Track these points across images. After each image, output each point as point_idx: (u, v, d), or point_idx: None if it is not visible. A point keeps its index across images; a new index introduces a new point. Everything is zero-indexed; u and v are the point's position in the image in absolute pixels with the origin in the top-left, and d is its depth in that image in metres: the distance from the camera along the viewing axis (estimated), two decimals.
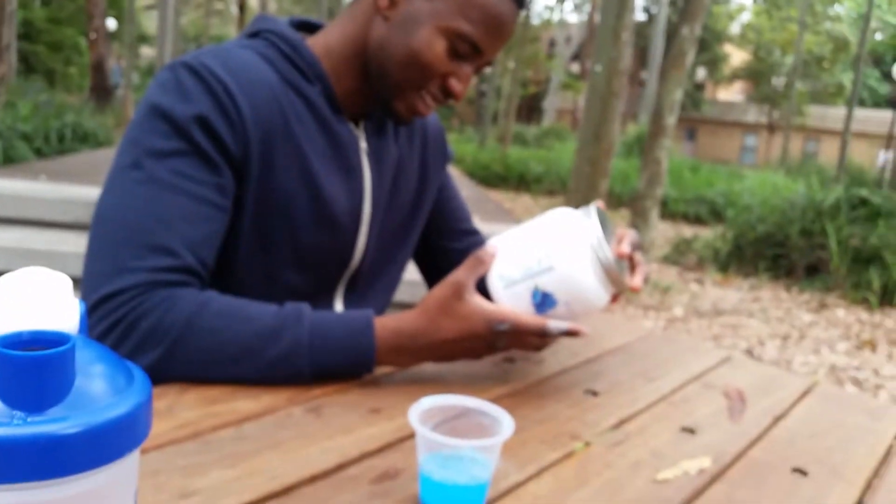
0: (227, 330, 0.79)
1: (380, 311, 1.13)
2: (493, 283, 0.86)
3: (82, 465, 0.34)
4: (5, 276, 0.43)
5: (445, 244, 1.23)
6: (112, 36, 20.08)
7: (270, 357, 0.79)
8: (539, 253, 0.83)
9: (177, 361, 0.77)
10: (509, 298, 0.85)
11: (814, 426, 0.88)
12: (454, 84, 0.95)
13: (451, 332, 0.84)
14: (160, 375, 0.77)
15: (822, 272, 6.24)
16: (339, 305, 1.06)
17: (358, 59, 0.96)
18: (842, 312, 5.50)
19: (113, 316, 0.77)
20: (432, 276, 1.24)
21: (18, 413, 0.33)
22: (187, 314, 0.78)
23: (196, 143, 0.83)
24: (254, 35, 0.98)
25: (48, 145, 7.47)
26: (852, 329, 5.07)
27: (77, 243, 3.74)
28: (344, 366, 0.83)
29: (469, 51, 0.93)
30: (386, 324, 0.84)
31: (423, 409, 0.62)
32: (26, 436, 0.32)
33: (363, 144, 1.02)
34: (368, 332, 0.83)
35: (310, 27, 1.05)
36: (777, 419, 0.89)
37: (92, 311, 0.77)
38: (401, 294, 1.26)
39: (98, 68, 16.61)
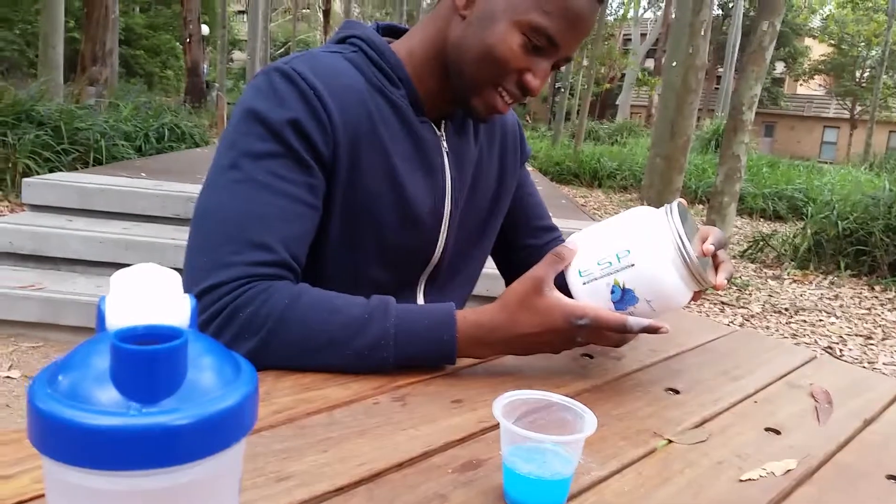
0: (317, 321, 0.82)
1: (460, 304, 1.15)
2: (573, 279, 0.86)
3: (193, 455, 0.36)
4: (119, 272, 0.45)
5: (523, 241, 1.24)
6: (205, 40, 20.77)
7: (358, 347, 0.82)
8: (620, 249, 0.83)
9: (272, 350, 0.81)
10: (588, 294, 0.85)
11: None
12: (530, 79, 0.94)
13: (530, 326, 0.84)
14: (258, 363, 0.80)
15: None
16: (420, 299, 1.09)
17: (438, 61, 0.99)
18: None
19: (213, 308, 0.81)
20: (511, 272, 1.25)
21: (134, 404, 0.35)
22: (282, 306, 0.81)
23: (289, 146, 0.87)
24: (343, 40, 1.02)
25: (148, 144, 7.89)
26: None
27: (175, 235, 3.94)
28: (427, 356, 0.85)
29: (545, 45, 0.92)
30: (467, 316, 0.86)
31: (506, 402, 0.63)
32: (141, 426, 0.34)
33: (444, 145, 1.04)
34: (451, 324, 0.85)
35: (395, 31, 1.08)
36: (867, 422, 0.86)
37: (201, 298, 0.82)
38: (480, 287, 1.28)
39: (193, 71, 17.28)
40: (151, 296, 0.43)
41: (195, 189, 4.42)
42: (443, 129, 1.04)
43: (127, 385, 0.35)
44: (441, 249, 1.07)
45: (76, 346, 0.40)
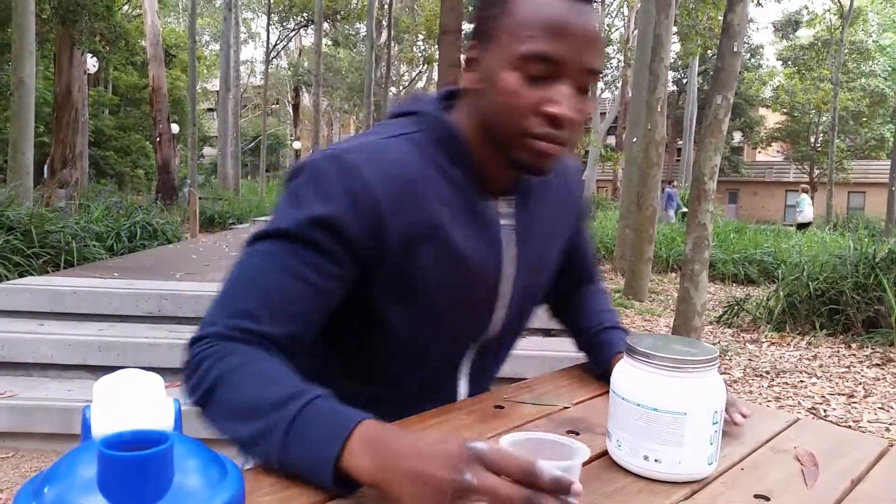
0: (246, 389, 0.80)
1: (504, 358, 1.21)
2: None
3: None
4: (102, 380, 0.45)
5: (561, 289, 1.29)
6: (176, 138, 21.07)
7: (257, 429, 0.76)
8: None
9: (210, 404, 0.82)
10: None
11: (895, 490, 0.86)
12: (551, 108, 0.89)
13: (428, 443, 0.68)
14: (203, 416, 0.82)
15: (881, 326, 6.04)
16: (466, 365, 1.12)
17: (483, 134, 0.98)
18: None
19: (190, 357, 0.87)
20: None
21: None
22: (230, 366, 0.82)
23: (319, 239, 0.89)
24: (407, 114, 1.03)
25: (119, 243, 7.89)
26: None
27: (148, 334, 3.89)
28: (310, 451, 0.73)
29: (545, 69, 0.88)
30: (375, 423, 0.74)
31: (507, 442, 0.71)
32: None
33: (506, 221, 1.04)
34: (352, 421, 0.74)
35: (454, 95, 1.06)
36: (855, 483, 0.87)
37: (187, 348, 0.88)
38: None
39: (164, 169, 17.46)
40: (135, 401, 0.43)
41: (167, 286, 4.40)
42: (506, 206, 1.04)
43: (115, 493, 0.35)
44: (498, 326, 1.09)
45: (61, 456, 0.40)
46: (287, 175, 0.95)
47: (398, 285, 0.96)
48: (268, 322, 0.87)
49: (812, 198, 16.92)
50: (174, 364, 3.66)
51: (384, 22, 26.89)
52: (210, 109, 38.10)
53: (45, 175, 12.74)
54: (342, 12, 30.71)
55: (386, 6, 26.13)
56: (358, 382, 1.05)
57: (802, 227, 16.07)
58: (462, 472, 0.63)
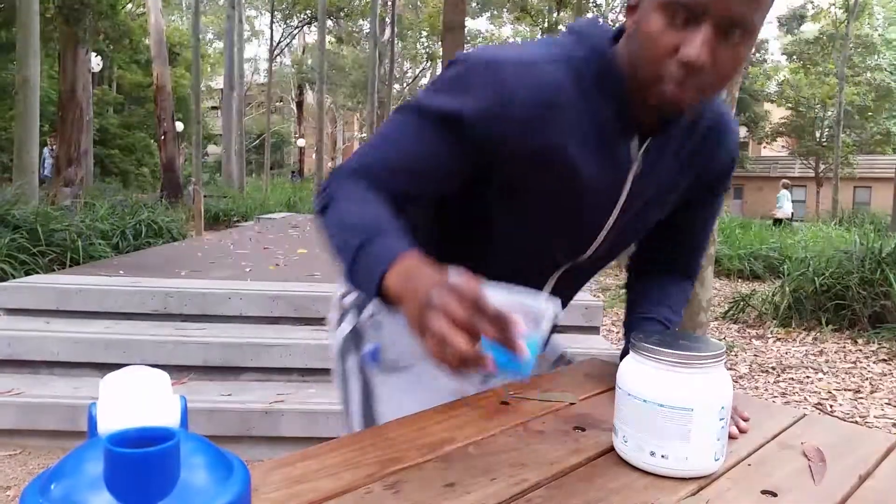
0: (346, 212, 0.96)
1: (591, 278, 1.26)
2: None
3: None
4: (108, 376, 0.45)
5: (645, 253, 1.33)
6: (180, 136, 21.11)
7: (343, 240, 0.94)
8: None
9: (323, 218, 1.00)
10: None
11: None
12: (684, 51, 0.88)
13: (432, 273, 0.81)
14: (321, 227, 1.01)
15: (887, 322, 6.02)
16: (550, 282, 1.19)
17: (634, 76, 0.99)
18: None
19: (324, 181, 1.04)
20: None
21: None
22: (342, 193, 0.98)
23: (447, 131, 0.99)
24: (577, 33, 1.05)
25: (125, 241, 7.89)
26: None
27: (154, 332, 3.89)
28: (366, 267, 0.89)
29: (684, 14, 0.88)
30: (413, 259, 0.86)
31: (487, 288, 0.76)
32: None
33: (637, 163, 1.05)
34: (397, 253, 0.87)
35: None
36: (863, 478, 0.86)
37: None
38: None
39: (168, 167, 17.46)
40: (141, 398, 0.43)
41: (173, 284, 4.40)
42: (644, 145, 1.05)
43: (122, 489, 0.35)
44: (591, 251, 1.14)
45: (67, 453, 0.40)
46: (449, 61, 1.03)
47: (510, 194, 1.05)
48: (386, 173, 1.00)
49: (818, 192, 16.92)
50: (179, 361, 3.69)
51: (388, 19, 26.89)
52: (214, 107, 38.13)
53: (44, 171, 12.70)
54: (346, 9, 30.74)
55: (389, 3, 26.12)
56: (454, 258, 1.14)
57: (778, 222, 16.02)
58: (434, 292, 0.75)
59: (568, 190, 1.04)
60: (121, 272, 4.93)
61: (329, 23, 28.11)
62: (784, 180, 18.07)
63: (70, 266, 6.38)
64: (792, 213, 16.99)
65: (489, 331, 0.72)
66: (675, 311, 1.26)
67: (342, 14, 31.15)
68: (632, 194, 1.08)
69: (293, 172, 40.31)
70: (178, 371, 3.64)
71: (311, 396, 3.51)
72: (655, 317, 1.23)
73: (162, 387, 0.45)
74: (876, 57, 29.57)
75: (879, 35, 30.75)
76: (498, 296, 0.78)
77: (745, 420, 1.03)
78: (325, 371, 3.69)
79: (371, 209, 0.96)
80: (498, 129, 0.97)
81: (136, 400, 0.43)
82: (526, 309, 0.81)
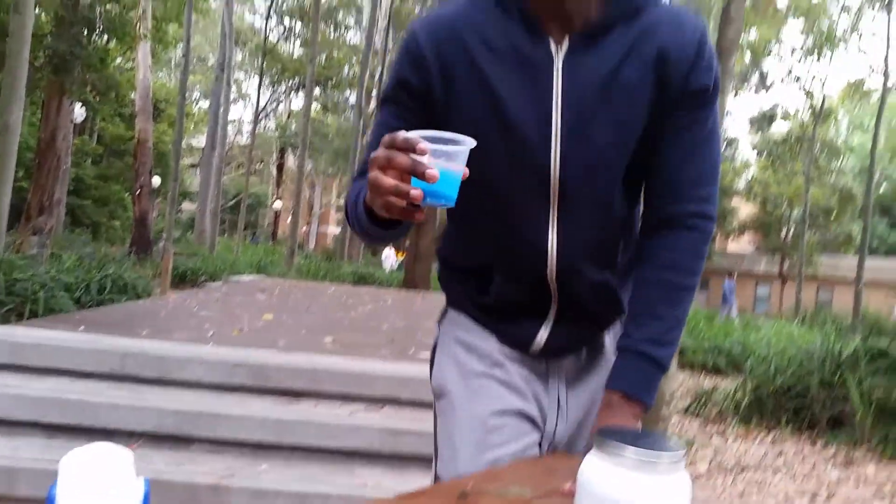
0: (351, 203, 1.14)
1: (595, 229, 1.16)
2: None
3: None
4: (69, 455, 0.44)
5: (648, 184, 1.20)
6: (156, 192, 21.02)
7: (353, 200, 1.11)
8: None
9: (349, 222, 1.18)
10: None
11: None
12: None
13: None
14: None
15: (846, 425, 6.06)
16: (553, 220, 1.14)
17: None
18: (872, 469, 5.29)
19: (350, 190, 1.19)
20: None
21: None
22: (351, 194, 1.15)
23: (400, 98, 1.15)
24: None
25: (88, 295, 7.70)
26: (885, 488, 4.86)
27: (110, 393, 3.76)
28: (357, 209, 1.07)
29: None
30: None
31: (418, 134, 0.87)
32: None
33: (559, 62, 1.07)
34: None
35: None
36: None
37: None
38: None
39: (141, 222, 17.33)
40: (103, 480, 0.42)
41: (132, 344, 4.29)
42: (563, 44, 1.07)
43: None
44: (558, 167, 1.10)
45: None
46: None
47: (446, 119, 1.10)
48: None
49: (781, 290, 17.58)
50: (132, 426, 3.55)
51: (374, 92, 27.49)
52: (193, 165, 38.16)
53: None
54: (334, 79, 31.37)
55: (377, 77, 26.79)
56: (462, 246, 1.29)
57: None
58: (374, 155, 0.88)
59: (497, 105, 1.09)
60: (81, 327, 4.83)
61: (316, 91, 28.62)
62: (729, 272, 18.82)
63: (29, 318, 6.22)
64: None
65: (402, 159, 0.84)
66: (656, 315, 1.18)
67: (330, 83, 31.77)
68: (567, 95, 1.07)
69: (254, 233, 42.17)
70: (128, 437, 3.50)
71: (263, 473, 3.39)
72: (633, 348, 1.16)
73: (125, 468, 0.45)
74: (840, 161, 30.75)
75: (843, 142, 32.08)
76: (425, 136, 0.88)
77: None
78: (279, 448, 3.57)
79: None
80: (423, 74, 1.11)
81: (98, 483, 0.42)
82: (444, 145, 0.88)
